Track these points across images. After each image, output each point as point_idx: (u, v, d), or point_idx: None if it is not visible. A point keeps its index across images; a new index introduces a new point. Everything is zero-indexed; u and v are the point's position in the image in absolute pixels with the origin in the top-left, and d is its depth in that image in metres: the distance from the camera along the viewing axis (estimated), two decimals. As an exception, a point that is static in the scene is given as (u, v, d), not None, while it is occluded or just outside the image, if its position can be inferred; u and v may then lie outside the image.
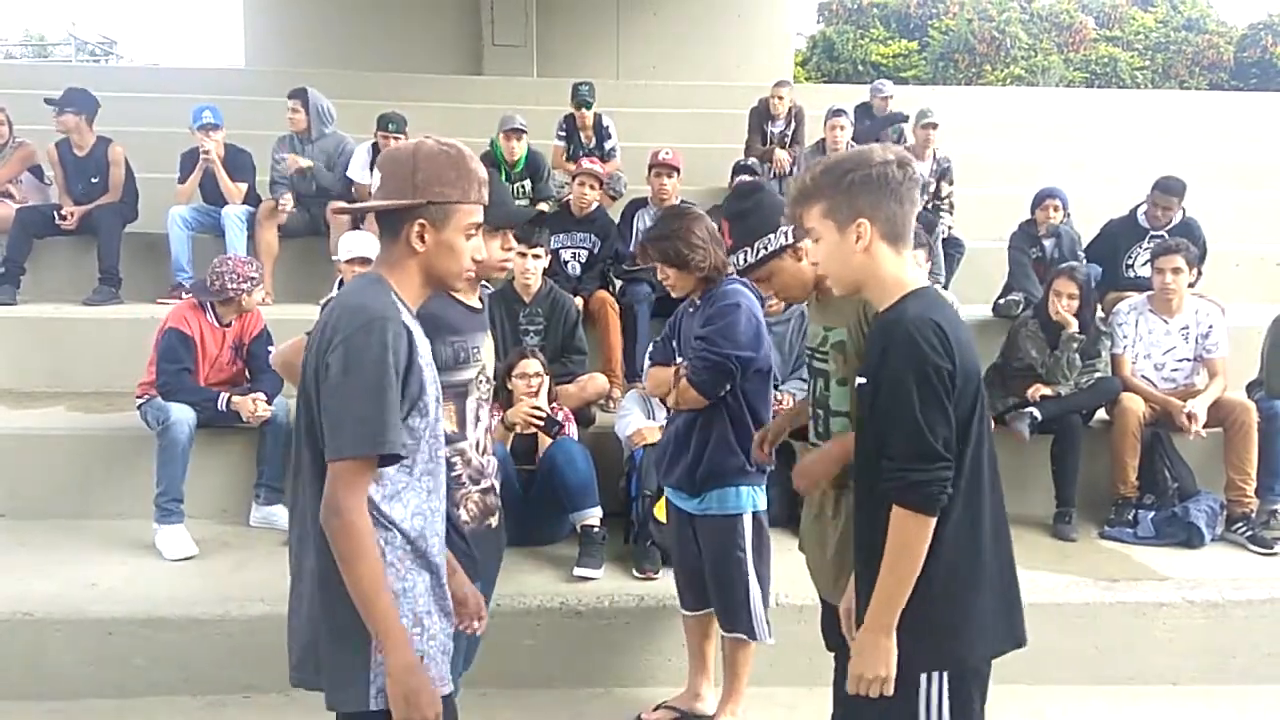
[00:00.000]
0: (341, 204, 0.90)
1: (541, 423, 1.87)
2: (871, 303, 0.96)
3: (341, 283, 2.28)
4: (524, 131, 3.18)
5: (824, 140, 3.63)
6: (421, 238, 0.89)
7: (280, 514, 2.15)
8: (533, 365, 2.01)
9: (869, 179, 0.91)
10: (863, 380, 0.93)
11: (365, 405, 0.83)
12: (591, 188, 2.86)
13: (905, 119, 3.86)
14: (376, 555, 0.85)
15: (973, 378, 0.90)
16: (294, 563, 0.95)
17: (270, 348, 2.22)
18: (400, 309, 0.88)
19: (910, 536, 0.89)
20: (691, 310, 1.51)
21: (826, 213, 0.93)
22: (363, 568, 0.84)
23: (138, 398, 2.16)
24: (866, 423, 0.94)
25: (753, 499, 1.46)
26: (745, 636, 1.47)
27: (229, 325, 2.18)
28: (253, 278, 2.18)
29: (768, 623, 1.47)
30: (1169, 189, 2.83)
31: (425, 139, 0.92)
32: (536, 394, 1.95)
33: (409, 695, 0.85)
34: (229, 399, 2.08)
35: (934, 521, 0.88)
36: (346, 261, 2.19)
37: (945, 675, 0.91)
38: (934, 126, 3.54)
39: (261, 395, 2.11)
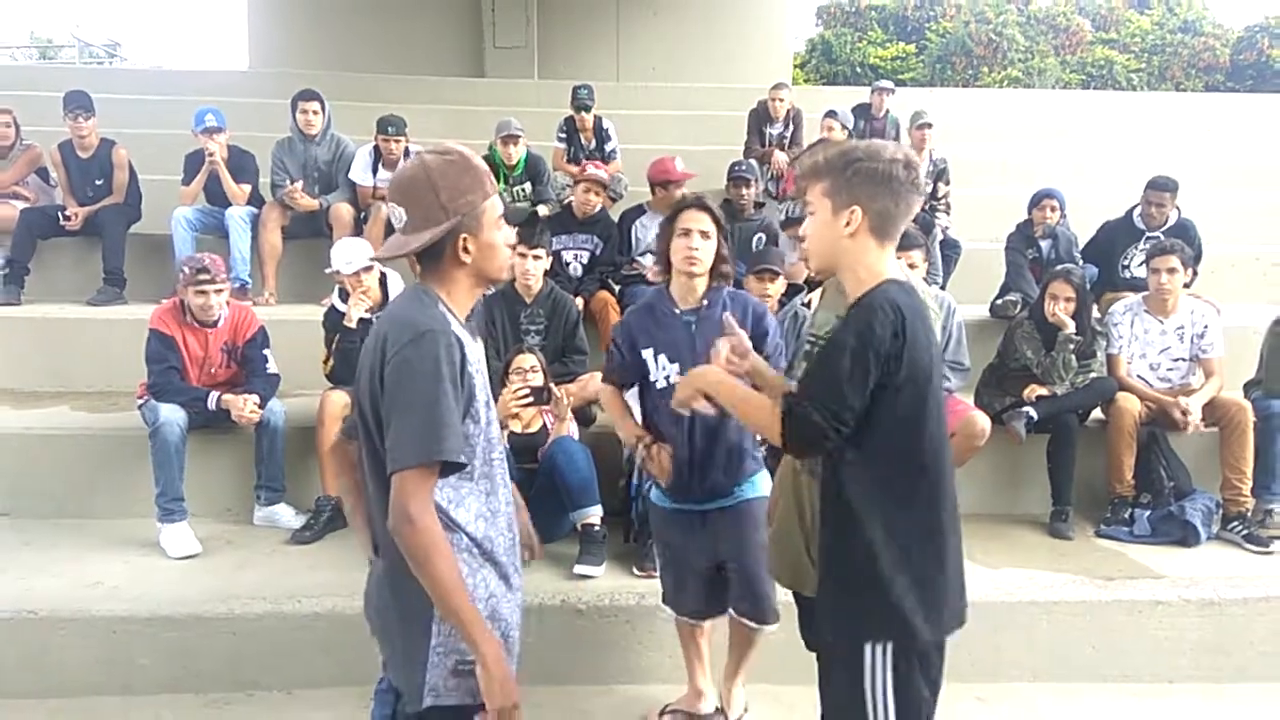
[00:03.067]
0: (378, 254, 0.89)
1: (530, 399, 1.84)
2: (849, 290, 1.00)
3: (342, 290, 2.25)
4: (520, 136, 3.19)
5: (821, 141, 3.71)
6: (466, 249, 0.91)
7: (282, 513, 2.16)
8: (528, 360, 2.02)
9: (874, 172, 0.95)
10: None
11: (421, 416, 0.85)
12: (596, 194, 2.86)
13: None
14: (450, 555, 0.87)
15: (922, 371, 0.93)
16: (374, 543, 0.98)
17: (266, 351, 2.20)
18: (450, 320, 0.90)
19: (760, 420, 0.96)
20: (679, 313, 1.39)
21: (827, 192, 0.97)
22: (437, 568, 0.86)
23: (138, 398, 2.17)
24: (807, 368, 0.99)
25: (767, 481, 1.43)
26: (770, 624, 1.43)
27: (213, 326, 2.15)
28: (183, 272, 2.07)
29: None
30: (1161, 185, 2.85)
31: (422, 154, 0.93)
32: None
33: (502, 683, 0.88)
34: (219, 398, 2.07)
35: (777, 443, 0.93)
36: (351, 275, 2.16)
37: (890, 647, 0.94)
38: (929, 127, 3.57)
39: (254, 397, 2.09)
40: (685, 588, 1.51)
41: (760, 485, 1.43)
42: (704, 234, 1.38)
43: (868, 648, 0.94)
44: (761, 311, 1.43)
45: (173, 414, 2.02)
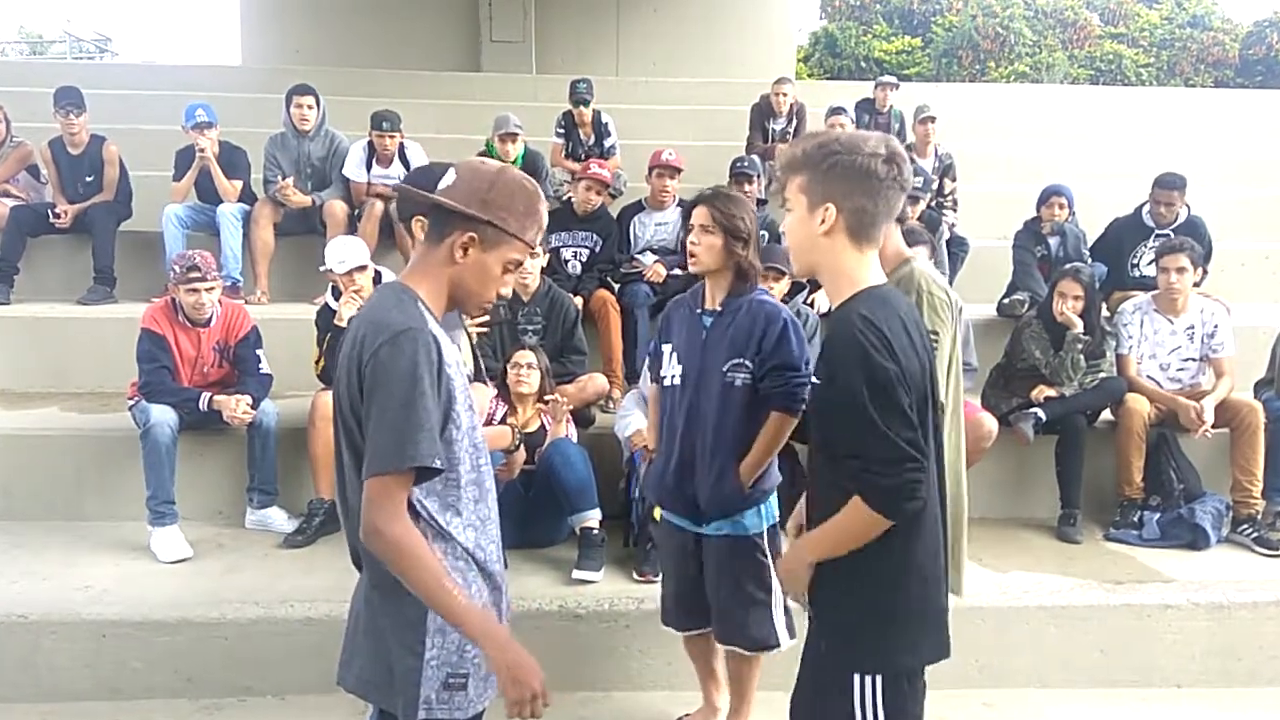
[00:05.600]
0: (408, 188, 0.81)
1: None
2: (827, 294, 0.96)
3: (335, 288, 2.21)
4: (519, 133, 3.15)
5: None
6: (465, 250, 0.89)
7: (275, 516, 2.13)
8: (526, 356, 2.00)
9: (851, 167, 0.89)
10: (816, 381, 0.94)
11: (393, 420, 0.82)
12: (597, 193, 2.83)
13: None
14: (430, 558, 0.84)
15: (917, 386, 0.90)
16: (355, 563, 0.96)
17: (259, 351, 2.17)
18: (427, 318, 0.87)
19: (860, 528, 0.90)
20: (700, 314, 1.35)
21: (803, 187, 0.92)
22: (419, 574, 0.83)
23: (129, 399, 2.14)
24: (819, 418, 0.94)
25: (768, 514, 1.37)
26: (763, 650, 1.37)
27: (206, 325, 2.12)
28: (174, 269, 2.05)
29: (788, 626, 1.38)
30: (1168, 184, 2.80)
31: (510, 167, 0.92)
32: (530, 386, 1.96)
33: (515, 679, 0.84)
34: (210, 398, 2.04)
35: (888, 525, 0.88)
36: (345, 273, 2.11)
37: (879, 678, 0.92)
38: (932, 121, 3.51)
39: (246, 397, 2.06)
40: (671, 599, 1.48)
41: (765, 518, 1.36)
42: (703, 228, 1.34)
43: (856, 677, 0.92)
44: (775, 322, 1.31)
45: (164, 415, 1.99)
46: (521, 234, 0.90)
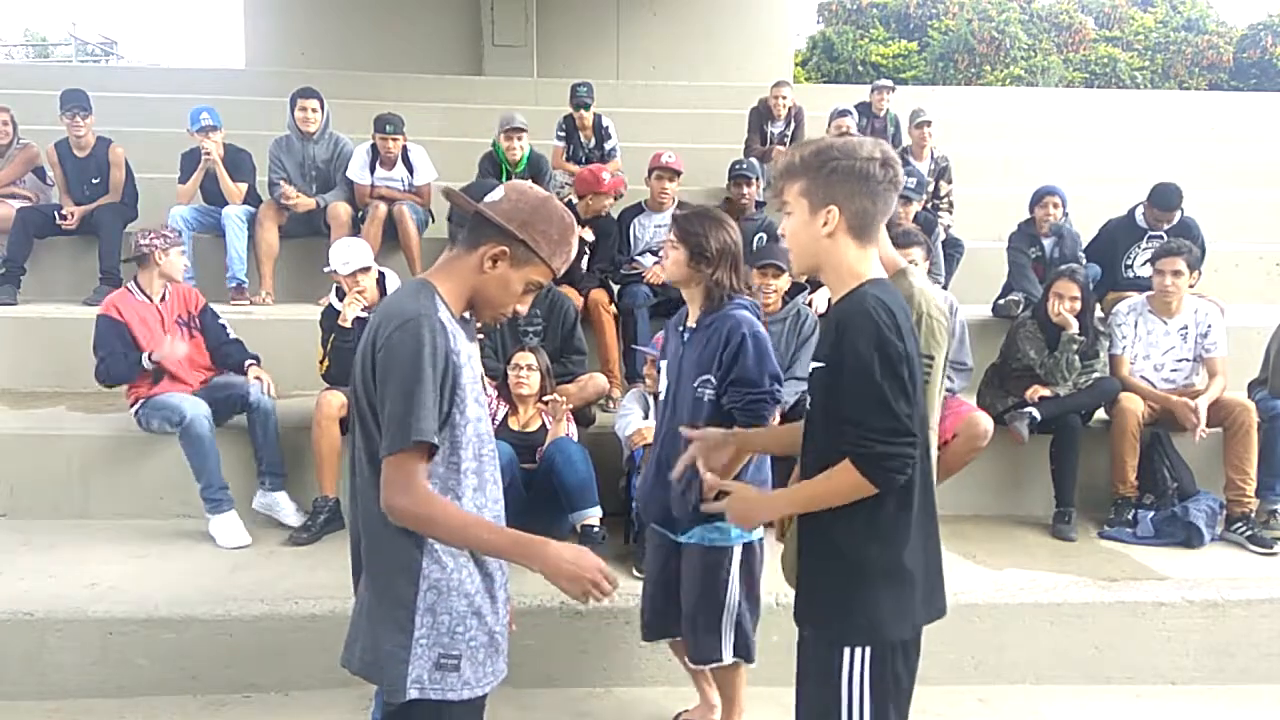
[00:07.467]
0: (456, 192, 0.86)
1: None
2: (831, 290, 0.99)
3: (339, 289, 2.24)
4: (524, 130, 3.17)
5: None
6: (495, 262, 0.93)
7: (283, 504, 2.14)
8: (526, 357, 2.02)
9: (850, 170, 0.94)
10: (819, 364, 0.96)
11: (402, 402, 0.86)
12: (605, 204, 2.86)
13: None
14: (448, 515, 0.88)
15: (912, 368, 0.94)
16: (354, 560, 0.99)
17: (221, 321, 2.25)
18: (440, 308, 0.91)
19: (842, 489, 0.92)
20: (681, 330, 1.40)
21: (803, 192, 0.96)
22: (443, 533, 0.88)
23: (130, 404, 2.16)
24: (821, 407, 0.97)
25: (745, 530, 1.36)
26: (718, 663, 1.40)
27: (163, 300, 2.18)
28: (165, 235, 2.19)
29: (748, 645, 1.39)
30: (1166, 204, 2.79)
31: (555, 199, 0.97)
32: (530, 387, 1.98)
33: (568, 576, 0.87)
34: (150, 354, 2.09)
35: (869, 492, 0.91)
36: (349, 275, 2.15)
37: (867, 650, 0.95)
38: (928, 125, 3.55)
39: (250, 363, 2.16)
40: (648, 606, 1.49)
41: (740, 534, 1.37)
42: (671, 243, 1.40)
43: (846, 651, 0.95)
44: (734, 337, 1.33)
45: (197, 409, 2.03)
46: (550, 260, 0.94)
